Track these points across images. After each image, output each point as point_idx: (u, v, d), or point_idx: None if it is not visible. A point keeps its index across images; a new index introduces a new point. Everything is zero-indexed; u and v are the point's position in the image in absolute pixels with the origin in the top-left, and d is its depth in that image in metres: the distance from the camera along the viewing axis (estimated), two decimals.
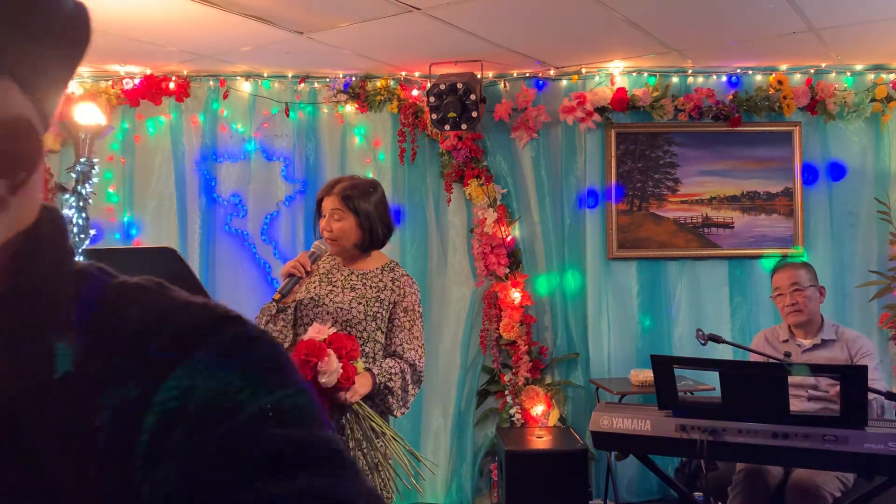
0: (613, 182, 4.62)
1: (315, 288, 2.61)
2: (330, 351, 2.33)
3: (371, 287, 2.61)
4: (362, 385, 2.43)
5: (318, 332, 2.40)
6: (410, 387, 2.58)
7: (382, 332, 2.61)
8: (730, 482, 3.16)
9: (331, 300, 2.57)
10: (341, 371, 2.33)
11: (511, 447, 4.05)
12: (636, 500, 4.53)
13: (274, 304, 2.52)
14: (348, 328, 2.53)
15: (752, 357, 3.42)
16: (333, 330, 2.44)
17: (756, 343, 3.54)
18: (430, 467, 2.91)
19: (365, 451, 2.47)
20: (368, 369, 2.49)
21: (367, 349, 2.54)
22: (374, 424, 2.47)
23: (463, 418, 4.66)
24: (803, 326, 3.40)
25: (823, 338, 3.37)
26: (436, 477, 4.62)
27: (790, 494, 3.02)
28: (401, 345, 2.60)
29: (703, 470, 3.51)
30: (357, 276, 2.63)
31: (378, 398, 2.51)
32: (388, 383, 2.50)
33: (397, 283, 2.64)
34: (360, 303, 2.57)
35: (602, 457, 4.41)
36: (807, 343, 3.38)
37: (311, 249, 2.56)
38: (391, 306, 2.62)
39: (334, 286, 2.61)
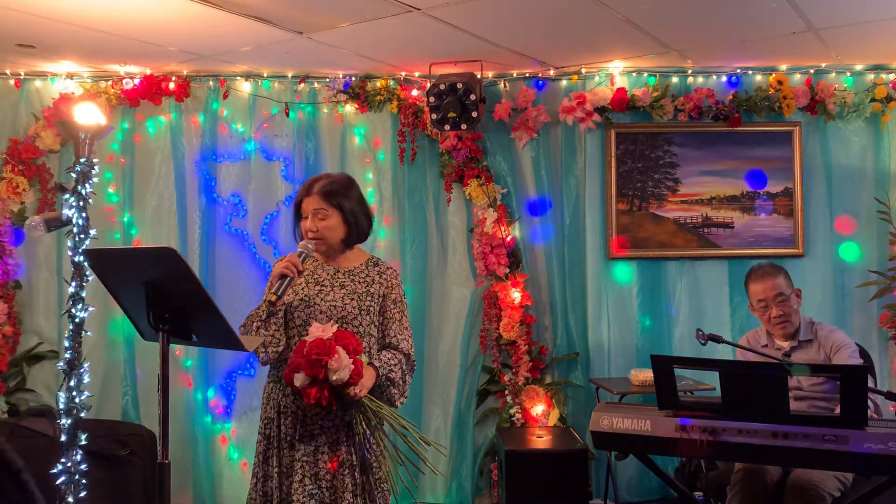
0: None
1: (303, 289, 2.62)
2: (339, 348, 2.34)
3: (360, 283, 2.64)
4: (368, 379, 2.46)
5: (322, 330, 2.40)
6: (407, 376, 2.62)
7: (375, 325, 2.64)
8: (729, 482, 3.16)
9: (322, 299, 2.58)
10: (352, 367, 2.33)
11: (511, 447, 4.06)
12: (636, 500, 4.53)
13: (266, 306, 2.52)
14: (344, 325, 2.55)
15: (739, 354, 3.41)
16: (336, 327, 2.45)
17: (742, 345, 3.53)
18: (442, 451, 2.95)
19: (371, 443, 2.48)
20: (371, 363, 2.52)
21: (363, 343, 2.56)
22: (386, 417, 2.51)
23: (463, 418, 4.66)
24: (788, 333, 3.40)
25: (801, 339, 3.37)
26: (436, 476, 4.62)
27: (789, 494, 3.01)
28: (395, 336, 2.63)
29: (703, 470, 3.51)
30: (344, 274, 2.66)
31: (379, 391, 2.54)
32: (390, 374, 2.54)
33: (384, 277, 2.68)
34: (352, 299, 2.59)
35: (602, 457, 4.41)
36: (785, 346, 3.39)
37: (299, 250, 2.57)
38: (381, 299, 2.65)
39: (323, 286, 2.62)
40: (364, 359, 2.45)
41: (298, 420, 2.54)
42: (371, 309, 2.61)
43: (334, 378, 2.32)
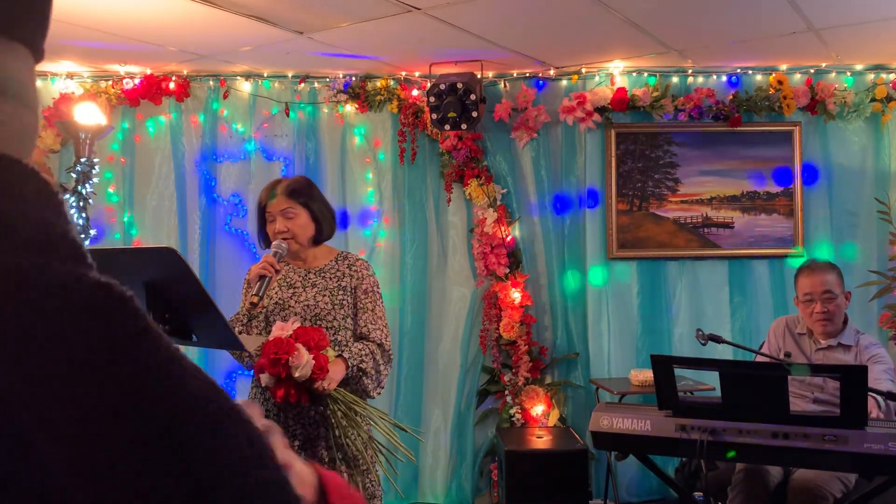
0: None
1: (277, 294, 2.65)
2: (298, 345, 2.36)
3: (331, 278, 2.67)
4: (336, 372, 2.47)
5: (282, 329, 2.43)
6: (382, 367, 2.63)
7: (352, 318, 2.66)
8: (730, 482, 3.16)
9: (295, 301, 2.62)
10: (314, 362, 2.35)
11: (511, 447, 4.05)
12: (636, 500, 4.53)
13: (248, 307, 2.55)
14: (318, 321, 2.58)
15: (767, 342, 3.40)
16: (297, 324, 2.48)
17: (776, 327, 3.49)
18: (417, 436, 2.97)
19: (352, 438, 2.49)
20: (340, 355, 2.53)
21: (339, 338, 2.59)
22: (356, 407, 2.51)
23: (463, 418, 4.66)
24: (828, 331, 3.36)
25: (842, 342, 3.29)
26: (436, 476, 4.62)
27: (792, 495, 3.01)
28: (366, 326, 2.65)
29: (703, 470, 3.51)
30: (315, 273, 2.69)
31: (353, 382, 2.56)
32: (361, 365, 2.55)
33: (354, 269, 2.70)
34: (324, 295, 2.62)
35: (602, 457, 4.41)
36: (823, 343, 3.34)
37: (273, 250, 2.59)
38: (353, 291, 2.67)
39: (295, 288, 2.66)
40: (331, 353, 2.47)
41: (280, 421, 2.57)
42: (344, 303, 2.63)
43: (297, 375, 2.34)
